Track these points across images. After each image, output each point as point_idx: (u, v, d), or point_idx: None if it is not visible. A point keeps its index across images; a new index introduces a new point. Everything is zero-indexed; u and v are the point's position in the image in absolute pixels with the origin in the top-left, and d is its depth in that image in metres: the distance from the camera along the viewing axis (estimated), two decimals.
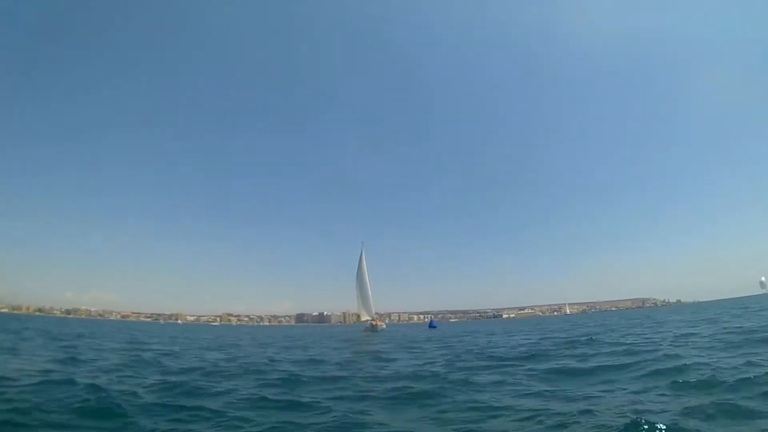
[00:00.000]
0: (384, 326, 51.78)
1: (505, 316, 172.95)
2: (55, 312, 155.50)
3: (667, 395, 6.00)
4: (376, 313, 55.46)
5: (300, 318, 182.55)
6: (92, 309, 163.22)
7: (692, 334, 15.07)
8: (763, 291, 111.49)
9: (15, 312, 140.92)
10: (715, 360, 8.51)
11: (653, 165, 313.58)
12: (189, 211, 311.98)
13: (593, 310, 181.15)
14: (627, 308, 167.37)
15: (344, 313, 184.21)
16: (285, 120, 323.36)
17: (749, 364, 7.57)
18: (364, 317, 53.43)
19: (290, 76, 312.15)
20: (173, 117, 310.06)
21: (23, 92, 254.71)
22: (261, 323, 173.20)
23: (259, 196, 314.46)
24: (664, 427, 4.24)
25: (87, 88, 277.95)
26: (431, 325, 60.07)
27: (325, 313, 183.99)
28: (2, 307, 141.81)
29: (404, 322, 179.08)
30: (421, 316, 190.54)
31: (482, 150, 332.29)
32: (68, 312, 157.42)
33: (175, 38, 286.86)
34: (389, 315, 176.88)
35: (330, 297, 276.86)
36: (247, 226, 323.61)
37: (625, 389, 6.70)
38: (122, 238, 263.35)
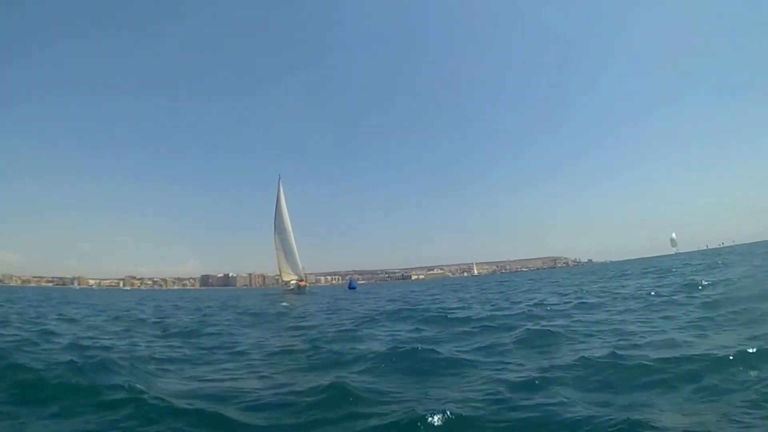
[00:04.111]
0: (308, 287, 47.69)
1: (414, 277, 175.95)
2: None
3: None
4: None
5: (205, 280, 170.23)
6: None
7: None
8: (674, 249, 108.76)
9: None
10: None
11: (565, 119, 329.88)
12: (80, 162, 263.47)
13: (503, 270, 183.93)
14: (538, 268, 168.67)
15: (250, 275, 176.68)
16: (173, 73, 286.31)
17: None
18: (288, 276, 45.74)
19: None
20: (78, 71, 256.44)
21: None
22: (165, 287, 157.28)
23: (156, 146, 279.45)
24: None
25: None
26: (351, 286, 59.51)
27: (230, 274, 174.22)
28: None
29: (312, 284, 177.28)
30: (329, 278, 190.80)
31: (390, 97, 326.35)
32: None
33: None
34: None
35: (236, 257, 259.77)
36: (145, 177, 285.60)
37: None
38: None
